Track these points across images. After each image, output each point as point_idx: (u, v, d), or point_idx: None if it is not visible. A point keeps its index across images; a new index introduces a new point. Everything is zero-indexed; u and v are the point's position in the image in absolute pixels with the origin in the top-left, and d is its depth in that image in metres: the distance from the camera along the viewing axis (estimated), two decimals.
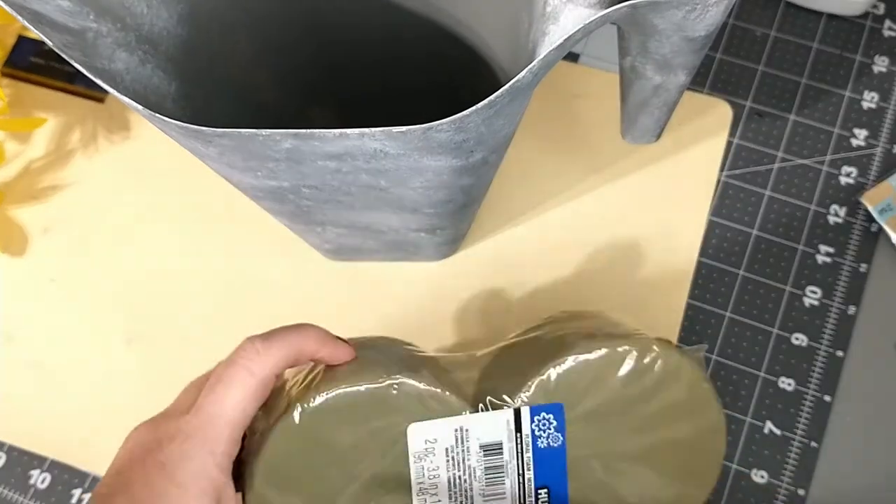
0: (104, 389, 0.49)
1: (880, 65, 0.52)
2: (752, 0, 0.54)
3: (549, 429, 0.34)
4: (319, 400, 0.32)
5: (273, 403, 0.33)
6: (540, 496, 0.34)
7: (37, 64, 0.55)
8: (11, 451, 0.48)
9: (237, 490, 0.31)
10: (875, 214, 0.48)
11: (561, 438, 0.34)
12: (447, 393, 0.33)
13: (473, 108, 0.27)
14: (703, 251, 0.49)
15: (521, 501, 0.34)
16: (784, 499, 0.44)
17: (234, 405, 0.29)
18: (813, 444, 0.45)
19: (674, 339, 0.47)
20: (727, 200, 0.50)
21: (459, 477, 0.34)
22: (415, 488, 0.33)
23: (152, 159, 0.53)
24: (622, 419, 0.34)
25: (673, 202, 0.50)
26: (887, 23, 0.53)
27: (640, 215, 0.50)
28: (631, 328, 0.36)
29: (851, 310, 0.48)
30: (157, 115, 0.28)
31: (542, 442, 0.34)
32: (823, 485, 0.45)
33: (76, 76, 0.55)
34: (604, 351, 0.33)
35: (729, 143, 0.51)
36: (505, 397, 0.33)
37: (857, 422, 0.46)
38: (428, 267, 0.50)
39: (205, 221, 0.52)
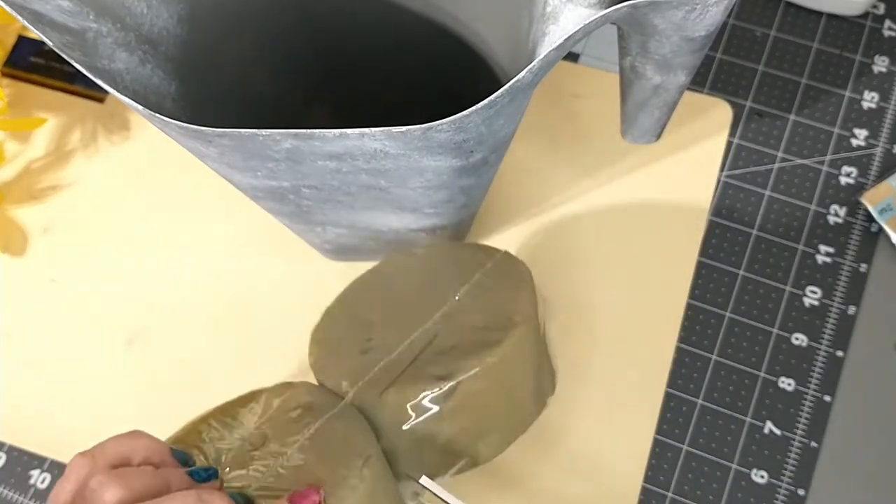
0: (104, 389, 0.49)
1: (880, 65, 0.52)
2: (752, 0, 0.54)
3: None
4: None
5: None
6: None
7: (37, 64, 0.55)
8: (11, 451, 0.48)
9: None
10: (875, 214, 0.48)
11: None
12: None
13: (473, 108, 0.27)
14: (703, 251, 0.49)
15: None
16: (784, 499, 0.44)
17: None
18: (813, 444, 0.45)
19: (674, 338, 0.47)
20: (727, 200, 0.50)
21: None
22: None
23: (152, 159, 0.53)
24: None
25: (673, 202, 0.50)
26: (887, 23, 0.53)
27: (639, 215, 0.50)
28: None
29: (851, 310, 0.48)
30: (157, 115, 0.28)
31: None
32: (823, 485, 0.45)
33: (76, 76, 0.55)
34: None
35: (729, 143, 0.51)
36: None
37: (857, 422, 0.46)
38: None
39: (205, 222, 0.52)
